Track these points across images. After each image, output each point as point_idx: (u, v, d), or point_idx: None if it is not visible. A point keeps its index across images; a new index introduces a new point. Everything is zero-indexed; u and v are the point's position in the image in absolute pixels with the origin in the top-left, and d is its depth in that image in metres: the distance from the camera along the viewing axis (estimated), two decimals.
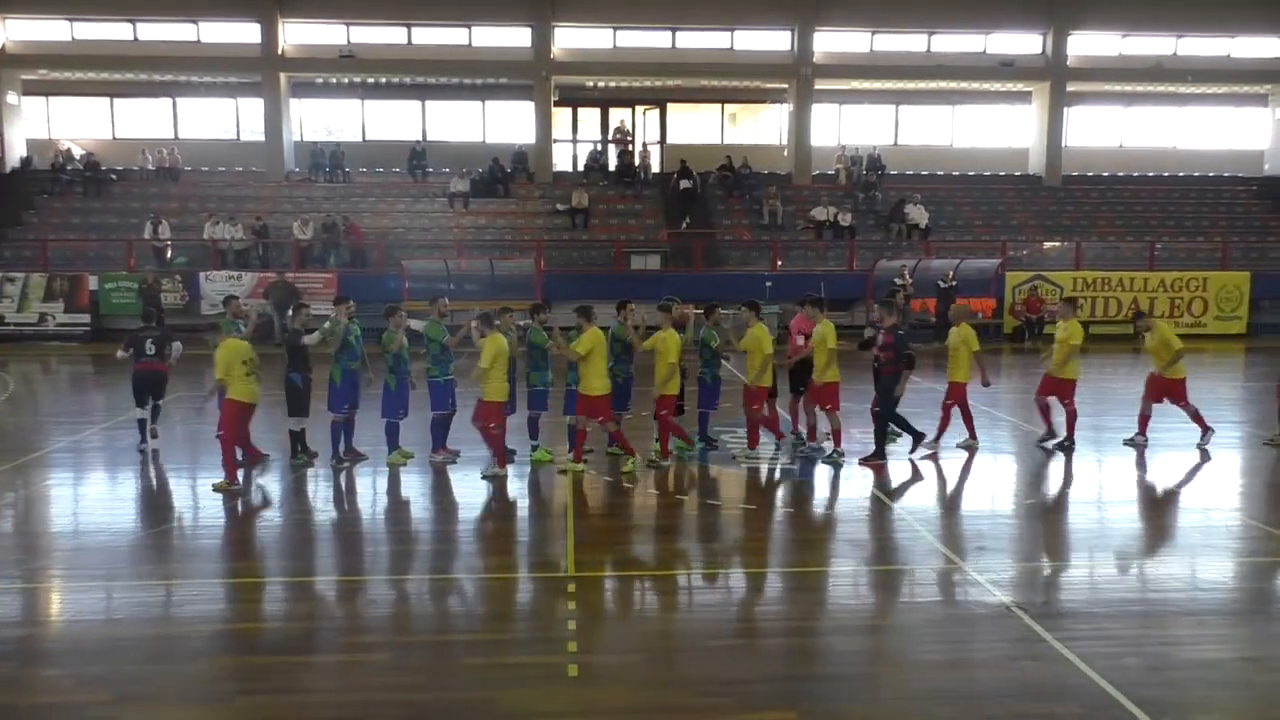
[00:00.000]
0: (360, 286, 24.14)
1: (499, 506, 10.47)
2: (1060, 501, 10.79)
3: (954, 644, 6.86)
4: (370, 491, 11.04)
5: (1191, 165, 35.65)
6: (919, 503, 10.75)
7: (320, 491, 10.96)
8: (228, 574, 8.45)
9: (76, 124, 33.67)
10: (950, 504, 10.84)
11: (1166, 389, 13.09)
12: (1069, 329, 12.91)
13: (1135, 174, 35.29)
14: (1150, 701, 5.96)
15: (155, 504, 10.66)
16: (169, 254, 27.78)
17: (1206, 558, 8.72)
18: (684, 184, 31.04)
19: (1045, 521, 10.00)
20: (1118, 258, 29.86)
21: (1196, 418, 13.10)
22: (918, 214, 30.08)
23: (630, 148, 32.94)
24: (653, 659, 6.70)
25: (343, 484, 11.22)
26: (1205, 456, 12.76)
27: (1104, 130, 35.90)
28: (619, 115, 34.52)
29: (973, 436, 12.95)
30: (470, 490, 10.92)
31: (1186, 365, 13.19)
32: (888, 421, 12.06)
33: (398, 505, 10.58)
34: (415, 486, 11.08)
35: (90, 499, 11.03)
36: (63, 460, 12.50)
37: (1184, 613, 7.40)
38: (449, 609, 7.76)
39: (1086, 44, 33.59)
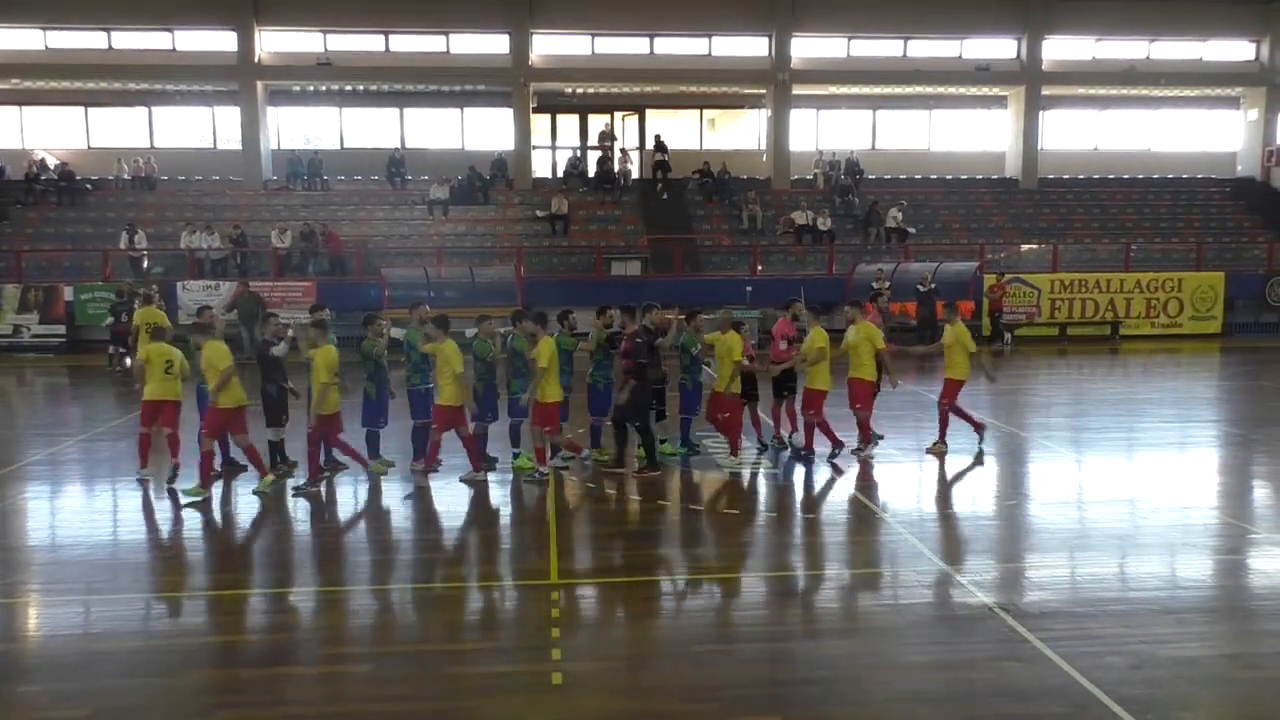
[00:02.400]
0: (339, 295, 24.05)
1: (481, 514, 10.43)
2: (1040, 502, 10.83)
3: (937, 645, 6.88)
4: (351, 501, 10.96)
5: (1165, 167, 36.01)
6: (901, 505, 10.79)
7: (300, 502, 10.88)
8: (207, 586, 8.37)
9: (51, 134, 33.30)
10: (932, 506, 10.88)
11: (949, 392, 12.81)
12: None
13: (1110, 176, 35.61)
14: (1132, 700, 6.01)
15: (133, 516, 10.54)
16: (145, 264, 27.53)
17: (1185, 556, 8.79)
18: (659, 156, 31.98)
19: (1026, 522, 10.05)
20: (1094, 259, 30.12)
21: (944, 422, 12.84)
22: (895, 217, 30.23)
23: (612, 153, 32.86)
24: (636, 665, 6.69)
25: (323, 494, 11.14)
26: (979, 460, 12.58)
27: (1079, 133, 36.22)
28: (598, 122, 34.51)
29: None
30: (452, 498, 10.87)
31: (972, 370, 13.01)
32: (649, 427, 11.64)
33: (378, 514, 10.51)
34: (396, 495, 11.02)
35: (67, 512, 10.90)
36: (39, 473, 12.35)
37: (1164, 611, 7.45)
38: (431, 618, 7.71)
39: (1061, 48, 33.89)
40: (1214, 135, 36.48)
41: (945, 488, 11.63)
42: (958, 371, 12.72)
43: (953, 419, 12.91)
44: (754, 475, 11.91)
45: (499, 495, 11.06)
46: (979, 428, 12.97)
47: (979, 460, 12.59)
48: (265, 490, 10.83)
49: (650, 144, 33.06)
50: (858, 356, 12.30)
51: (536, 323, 11.64)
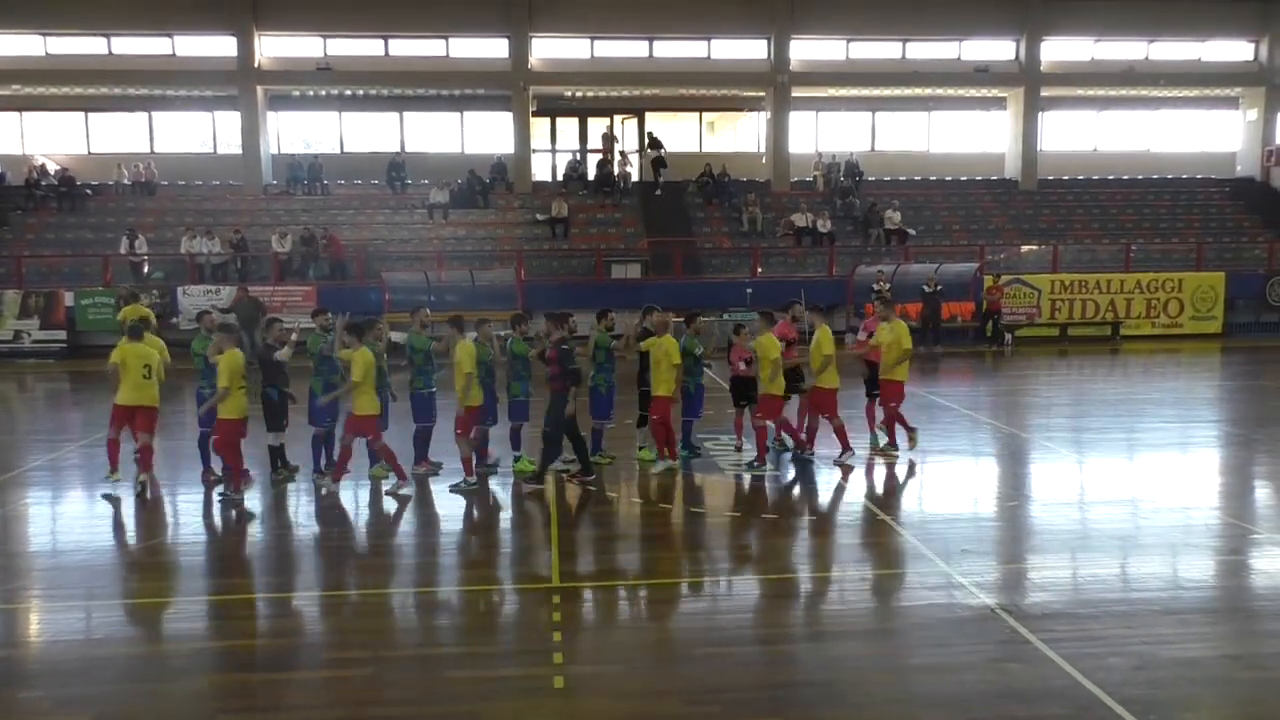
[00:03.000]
0: (340, 299, 24.05)
1: (482, 518, 10.43)
2: (1042, 502, 10.82)
3: (939, 647, 6.87)
4: (352, 505, 10.96)
5: (1165, 168, 36.02)
6: (903, 507, 10.79)
7: (302, 506, 10.88)
8: (209, 591, 8.36)
9: (51, 139, 33.36)
10: (933, 507, 10.88)
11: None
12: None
13: (1110, 177, 35.63)
14: (1134, 701, 6.00)
15: (135, 521, 10.53)
16: (146, 269, 27.56)
17: (1187, 557, 8.78)
18: (654, 153, 32.21)
19: (1027, 523, 10.04)
20: (1094, 260, 30.13)
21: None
22: (894, 219, 30.24)
23: (613, 155, 32.84)
24: (638, 668, 6.68)
25: (323, 498, 11.13)
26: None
27: (1078, 134, 36.25)
28: (597, 125, 34.54)
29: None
30: (453, 502, 10.87)
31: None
32: (557, 441, 11.27)
33: (380, 518, 10.51)
34: (396, 500, 11.00)
35: (68, 517, 10.90)
36: (40, 478, 12.36)
37: (1166, 612, 7.44)
38: (433, 622, 7.71)
39: (1059, 49, 33.91)
40: (1213, 135, 36.50)
41: (946, 489, 11.61)
42: (898, 373, 12.45)
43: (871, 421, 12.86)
44: (755, 478, 11.90)
45: (500, 498, 11.05)
46: (911, 433, 12.76)
47: (884, 456, 12.58)
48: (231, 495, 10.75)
49: (646, 142, 33.07)
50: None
51: (454, 327, 11.67)
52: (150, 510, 10.77)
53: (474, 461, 11.40)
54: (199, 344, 11.69)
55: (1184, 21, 33.55)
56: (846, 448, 12.26)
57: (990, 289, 26.45)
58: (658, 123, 35.40)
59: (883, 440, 12.91)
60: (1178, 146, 36.29)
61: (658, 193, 31.91)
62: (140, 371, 11.02)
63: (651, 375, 11.95)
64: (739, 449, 12.97)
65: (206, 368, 11.51)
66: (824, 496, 11.29)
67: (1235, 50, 34.68)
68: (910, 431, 12.71)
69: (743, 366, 12.41)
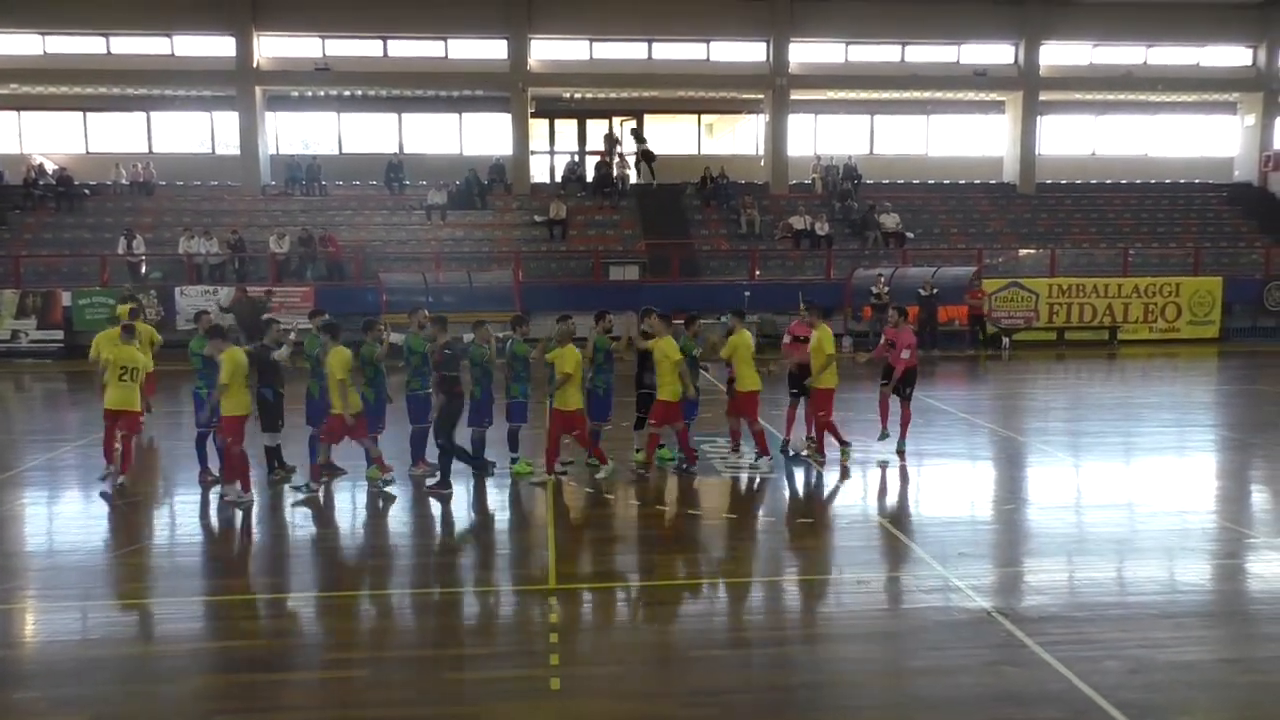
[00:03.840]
0: (338, 300, 24.06)
1: (480, 519, 10.43)
2: (1039, 506, 10.83)
3: (936, 650, 6.88)
4: (349, 506, 10.95)
5: (1163, 172, 36.06)
6: (900, 510, 10.80)
7: (298, 507, 10.87)
8: (205, 591, 8.36)
9: (49, 138, 33.31)
10: (930, 511, 10.88)
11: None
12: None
13: (1108, 181, 35.67)
14: (1131, 704, 6.00)
15: (131, 522, 10.52)
16: (144, 269, 27.53)
17: (1184, 560, 8.80)
18: (641, 146, 32.51)
19: (1024, 526, 10.05)
20: (1092, 264, 30.16)
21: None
22: (891, 221, 30.27)
23: (612, 157, 32.83)
24: (636, 670, 6.69)
25: (321, 499, 11.14)
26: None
27: (1076, 139, 36.28)
28: (596, 126, 34.54)
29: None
30: (450, 504, 10.86)
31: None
32: (449, 450, 11.15)
33: (377, 520, 10.51)
34: (394, 500, 11.00)
35: (65, 518, 10.89)
36: (37, 479, 12.34)
37: (1162, 615, 7.45)
38: (430, 623, 7.70)
39: (1058, 54, 33.95)
40: (1211, 140, 36.55)
41: (943, 492, 11.62)
42: (826, 380, 12.21)
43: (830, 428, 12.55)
44: (752, 480, 11.91)
45: (497, 500, 11.06)
46: (844, 446, 12.53)
47: (813, 460, 12.47)
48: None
49: (631, 141, 33.09)
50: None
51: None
52: (147, 511, 10.76)
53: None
54: (197, 344, 11.69)
55: (1182, 27, 33.60)
56: (842, 442, 12.38)
57: (973, 293, 26.39)
58: (656, 125, 35.43)
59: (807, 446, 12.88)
60: (1176, 151, 36.33)
61: (653, 184, 31.93)
62: (117, 373, 11.01)
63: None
64: (735, 450, 12.97)
65: (204, 368, 11.51)
66: (821, 499, 11.29)
67: (1233, 56, 34.74)
68: (844, 445, 12.48)
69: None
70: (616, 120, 34.55)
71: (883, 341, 13.22)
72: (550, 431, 11.62)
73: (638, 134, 32.76)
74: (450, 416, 11.10)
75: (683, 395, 11.65)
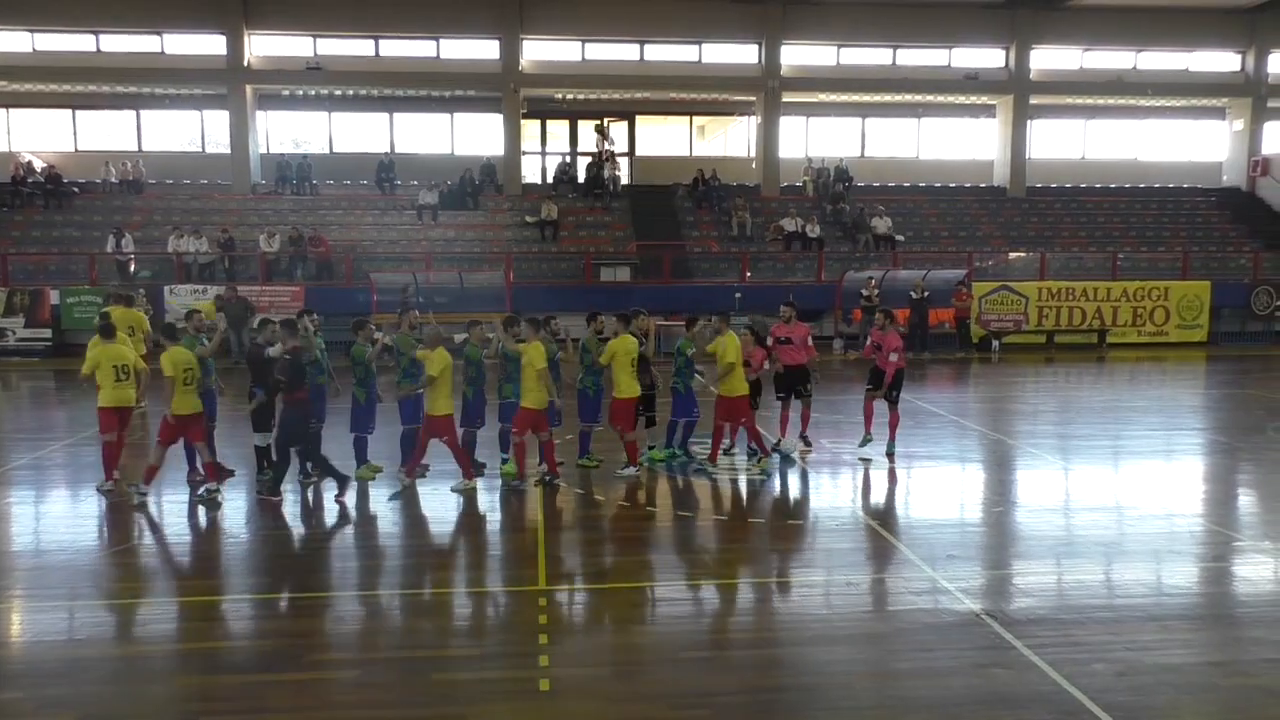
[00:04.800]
0: (328, 299, 23.97)
1: (469, 520, 10.41)
2: (1027, 509, 10.86)
3: (925, 652, 6.89)
4: (338, 506, 10.91)
5: (1152, 177, 36.23)
6: (889, 512, 10.82)
7: (287, 507, 10.83)
8: (192, 592, 8.32)
9: (37, 136, 33.17)
10: (919, 513, 10.91)
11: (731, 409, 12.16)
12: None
13: (1097, 185, 35.84)
14: (1118, 707, 6.03)
15: (118, 521, 10.47)
16: (132, 268, 27.41)
17: (1171, 563, 8.84)
18: (606, 145, 32.70)
19: (1013, 529, 10.08)
20: (1081, 268, 30.29)
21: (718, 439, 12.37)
22: (883, 225, 30.34)
23: (604, 152, 32.80)
24: (626, 672, 6.68)
25: (310, 499, 11.10)
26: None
27: (1066, 142, 36.45)
28: (588, 128, 34.54)
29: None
30: (440, 504, 10.84)
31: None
32: (285, 458, 10.95)
33: (366, 520, 10.48)
34: (384, 501, 10.98)
35: (52, 517, 10.83)
36: (24, 477, 12.28)
37: (1150, 618, 7.48)
38: (419, 624, 7.69)
39: (1048, 58, 34.12)
40: (1200, 145, 36.77)
41: (933, 494, 11.66)
42: (730, 387, 12.03)
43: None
44: (744, 481, 11.91)
45: (487, 501, 11.04)
46: (765, 452, 12.38)
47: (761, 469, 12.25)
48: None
49: (636, 148, 33.16)
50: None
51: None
52: (135, 511, 10.70)
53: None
54: (188, 343, 11.63)
55: (1172, 32, 33.80)
56: (764, 451, 12.26)
57: (957, 295, 26.42)
58: (647, 126, 35.53)
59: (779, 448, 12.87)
60: (1165, 156, 36.52)
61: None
62: (112, 373, 10.97)
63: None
64: (729, 451, 12.98)
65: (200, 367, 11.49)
66: (811, 501, 11.31)
67: (1222, 61, 34.96)
68: (763, 453, 12.29)
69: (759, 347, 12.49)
70: (608, 121, 34.54)
71: (869, 344, 13.25)
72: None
73: (602, 131, 32.84)
74: (288, 426, 10.75)
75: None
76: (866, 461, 12.67)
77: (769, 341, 13.05)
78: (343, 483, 10.99)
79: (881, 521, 10.24)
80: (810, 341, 13.17)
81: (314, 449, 11.13)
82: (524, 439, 11.31)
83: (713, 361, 12.29)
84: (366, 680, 6.48)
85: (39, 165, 31.15)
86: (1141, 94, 34.34)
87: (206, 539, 9.90)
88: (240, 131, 31.56)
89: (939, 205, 33.90)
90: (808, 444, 13.11)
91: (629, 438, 11.87)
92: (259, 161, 32.51)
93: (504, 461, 11.89)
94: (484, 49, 32.08)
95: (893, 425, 12.90)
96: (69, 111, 32.93)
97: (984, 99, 34.69)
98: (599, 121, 33.55)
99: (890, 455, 12.76)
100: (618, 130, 34.65)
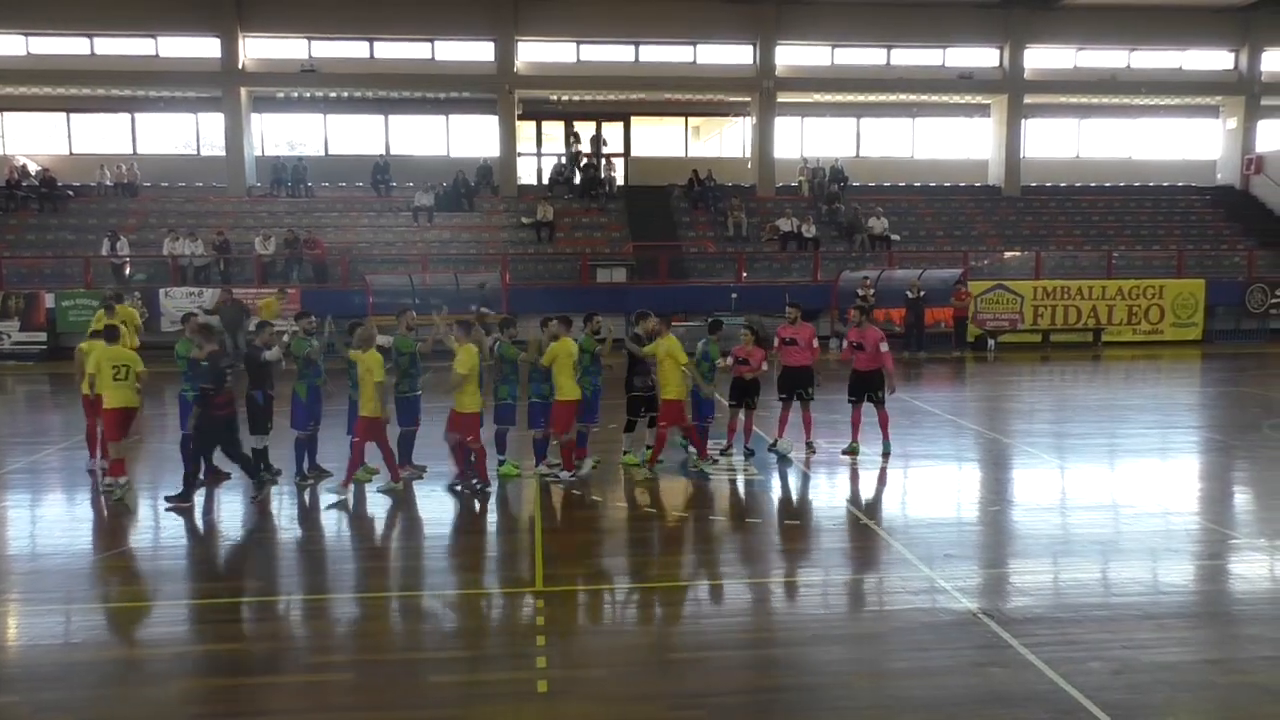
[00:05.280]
0: (324, 302, 23.94)
1: (466, 522, 10.41)
2: (1023, 507, 10.87)
3: (922, 651, 6.90)
4: (335, 508, 10.90)
5: (1146, 175, 36.32)
6: (886, 512, 10.83)
7: (284, 509, 10.83)
8: (189, 595, 8.30)
9: (32, 139, 33.13)
10: (916, 512, 10.91)
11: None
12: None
13: (1092, 184, 35.92)
14: (1114, 705, 6.04)
15: (113, 525, 10.45)
16: (128, 271, 27.37)
17: (1167, 561, 8.85)
18: (579, 148, 33.06)
19: (1009, 528, 10.10)
20: (1076, 266, 30.35)
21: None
22: (879, 226, 30.37)
23: (595, 160, 32.87)
24: (623, 673, 6.68)
25: (307, 501, 11.09)
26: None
27: (1061, 141, 36.54)
28: (584, 129, 34.55)
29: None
30: (436, 506, 10.84)
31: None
32: (198, 457, 11.00)
33: (363, 522, 10.47)
34: (380, 502, 10.97)
35: (47, 521, 10.81)
36: (19, 481, 12.25)
37: (1146, 616, 7.49)
38: (416, 626, 7.68)
39: (1042, 57, 34.19)
40: (1194, 144, 36.87)
41: (929, 494, 11.66)
42: (672, 391, 11.71)
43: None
44: (740, 482, 11.92)
45: (484, 502, 11.02)
46: (703, 454, 12.23)
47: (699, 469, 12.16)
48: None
49: (631, 149, 33.21)
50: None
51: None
52: (130, 513, 10.69)
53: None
54: (183, 346, 11.63)
55: (1165, 31, 33.88)
56: (703, 454, 12.21)
57: (957, 294, 26.45)
58: (643, 127, 35.55)
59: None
60: (1159, 154, 36.62)
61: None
62: (110, 373, 10.96)
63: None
64: (726, 451, 12.97)
65: (189, 370, 11.47)
66: (807, 501, 11.31)
67: (1215, 60, 35.05)
68: (701, 455, 12.12)
69: (730, 362, 12.44)
70: (603, 122, 34.57)
71: (847, 344, 13.15)
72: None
73: (574, 135, 33.20)
74: (202, 432, 10.67)
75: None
76: (863, 461, 12.66)
77: (775, 342, 13.07)
78: (260, 486, 11.00)
79: (878, 521, 10.25)
80: (815, 343, 13.16)
81: (231, 447, 10.90)
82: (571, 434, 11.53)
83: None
84: (363, 682, 6.48)
85: (34, 168, 31.11)
86: (1135, 93, 34.44)
87: (203, 541, 9.88)
88: (235, 134, 31.54)
89: (934, 205, 33.95)
90: (813, 450, 13.06)
91: (564, 439, 11.56)
92: (254, 164, 32.48)
93: (501, 463, 11.88)
94: (479, 50, 32.08)
95: (883, 424, 12.89)
96: (63, 114, 32.90)
97: (978, 98, 34.75)
98: (569, 124, 33.67)
99: (886, 455, 12.76)
100: (612, 131, 34.67)
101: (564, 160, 32.96)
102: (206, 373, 10.67)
